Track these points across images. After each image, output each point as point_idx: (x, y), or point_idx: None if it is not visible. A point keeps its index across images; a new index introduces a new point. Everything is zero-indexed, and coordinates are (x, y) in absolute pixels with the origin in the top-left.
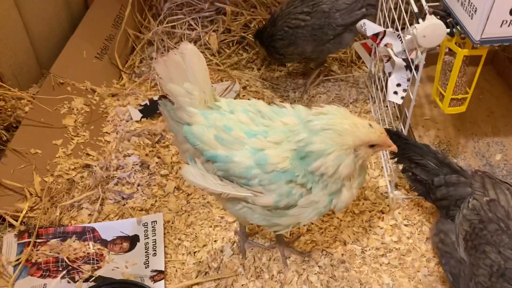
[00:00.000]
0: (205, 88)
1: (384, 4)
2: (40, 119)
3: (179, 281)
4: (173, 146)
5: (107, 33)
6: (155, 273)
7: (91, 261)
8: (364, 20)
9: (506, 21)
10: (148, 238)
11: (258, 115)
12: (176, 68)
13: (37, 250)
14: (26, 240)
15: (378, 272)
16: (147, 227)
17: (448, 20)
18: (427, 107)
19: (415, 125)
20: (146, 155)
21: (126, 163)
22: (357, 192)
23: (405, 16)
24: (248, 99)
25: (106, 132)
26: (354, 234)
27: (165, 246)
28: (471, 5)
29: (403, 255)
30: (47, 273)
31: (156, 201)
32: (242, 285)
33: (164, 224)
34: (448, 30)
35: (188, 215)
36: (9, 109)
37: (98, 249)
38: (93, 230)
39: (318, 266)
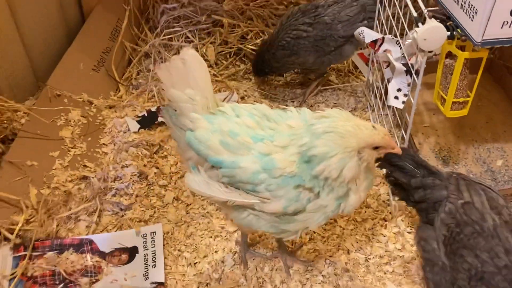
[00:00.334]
0: (207, 94)
1: (381, 13)
2: (37, 131)
3: None
4: (171, 156)
5: (104, 45)
6: (155, 285)
7: (89, 274)
8: (362, 28)
9: (507, 22)
10: (147, 249)
11: (264, 119)
12: (178, 73)
13: (33, 264)
14: (22, 253)
15: (382, 280)
16: (146, 239)
17: (448, 23)
18: (426, 114)
19: (415, 132)
20: (144, 165)
21: (124, 174)
22: (365, 196)
23: (403, 21)
24: (252, 103)
25: (104, 144)
26: (357, 242)
27: (164, 258)
28: (471, 7)
29: (408, 263)
30: (44, 287)
31: (155, 212)
32: None
33: (163, 235)
34: (449, 33)
35: (188, 226)
36: (5, 121)
37: (96, 261)
38: (91, 242)
39: (322, 276)
